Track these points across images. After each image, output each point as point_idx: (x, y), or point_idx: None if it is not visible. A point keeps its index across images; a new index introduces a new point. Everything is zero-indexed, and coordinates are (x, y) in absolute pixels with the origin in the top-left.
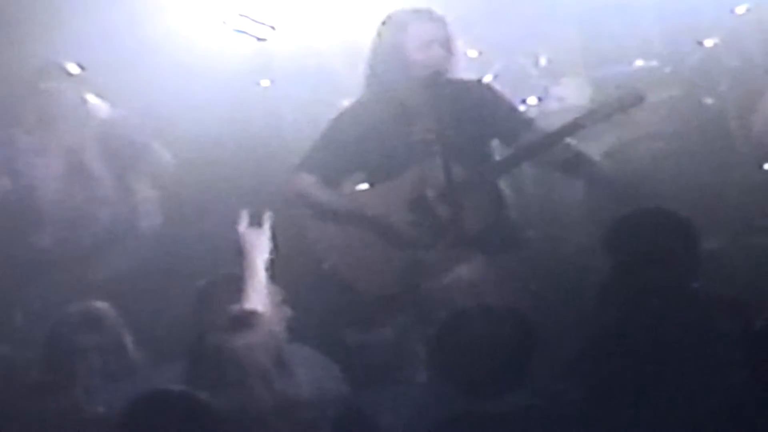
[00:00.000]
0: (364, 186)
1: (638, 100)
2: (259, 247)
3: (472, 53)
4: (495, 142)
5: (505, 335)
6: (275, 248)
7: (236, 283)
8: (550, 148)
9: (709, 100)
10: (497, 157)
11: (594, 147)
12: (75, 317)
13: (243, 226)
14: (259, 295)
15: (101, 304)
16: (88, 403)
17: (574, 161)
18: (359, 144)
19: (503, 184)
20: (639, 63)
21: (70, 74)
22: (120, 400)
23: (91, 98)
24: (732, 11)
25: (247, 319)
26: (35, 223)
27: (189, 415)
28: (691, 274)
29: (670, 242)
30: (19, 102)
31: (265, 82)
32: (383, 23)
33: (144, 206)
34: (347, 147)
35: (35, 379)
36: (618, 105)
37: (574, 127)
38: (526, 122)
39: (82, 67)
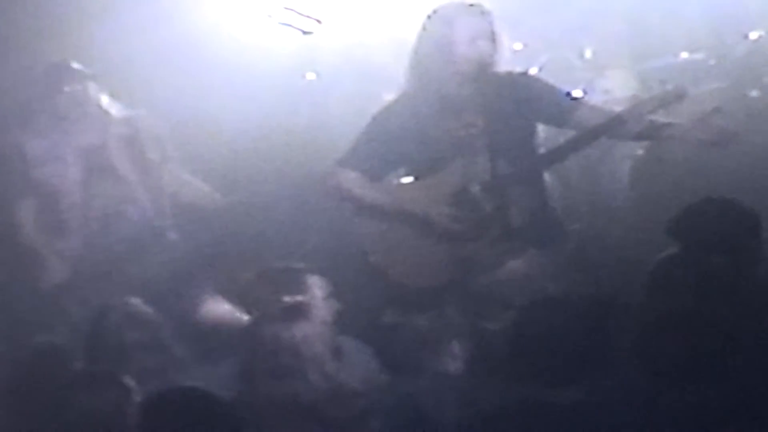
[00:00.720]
0: (408, 180)
1: (681, 95)
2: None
3: (518, 46)
4: (539, 138)
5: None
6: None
7: (283, 276)
8: (591, 143)
9: (754, 92)
10: (541, 150)
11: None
12: (117, 314)
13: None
14: None
15: (137, 301)
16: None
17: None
18: (402, 138)
19: (548, 177)
20: (684, 55)
21: (87, 76)
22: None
23: (108, 99)
24: None
25: (300, 310)
26: (59, 229)
27: (205, 414)
28: (756, 263)
29: (736, 231)
30: (36, 105)
31: (310, 76)
32: (429, 17)
33: (169, 205)
34: (390, 142)
35: (81, 369)
36: (660, 101)
37: (616, 122)
38: (575, 102)
39: (91, 72)
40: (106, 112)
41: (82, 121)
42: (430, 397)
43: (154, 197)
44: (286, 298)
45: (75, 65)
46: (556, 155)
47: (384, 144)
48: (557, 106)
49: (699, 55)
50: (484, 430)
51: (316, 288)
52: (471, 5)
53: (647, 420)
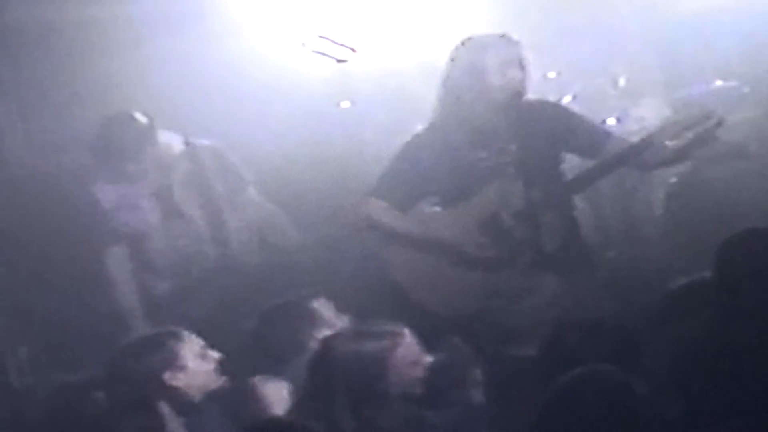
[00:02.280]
0: (438, 209)
1: (706, 117)
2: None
3: (551, 74)
4: (566, 165)
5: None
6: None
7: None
8: (619, 167)
9: None
10: (569, 177)
11: (672, 167)
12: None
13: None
14: None
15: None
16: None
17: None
18: (433, 167)
19: (580, 204)
20: (718, 83)
21: (142, 124)
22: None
23: (169, 137)
24: None
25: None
26: (152, 271)
27: None
28: None
29: None
30: (100, 156)
31: (345, 104)
32: (457, 48)
33: (239, 236)
34: (420, 170)
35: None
36: (686, 123)
37: (643, 146)
38: (606, 134)
39: (149, 117)
40: (169, 154)
41: (145, 166)
42: (457, 429)
43: (227, 232)
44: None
45: (134, 115)
46: (584, 181)
47: (414, 173)
48: (589, 138)
49: (732, 83)
50: None
51: (324, 310)
52: (502, 35)
53: None
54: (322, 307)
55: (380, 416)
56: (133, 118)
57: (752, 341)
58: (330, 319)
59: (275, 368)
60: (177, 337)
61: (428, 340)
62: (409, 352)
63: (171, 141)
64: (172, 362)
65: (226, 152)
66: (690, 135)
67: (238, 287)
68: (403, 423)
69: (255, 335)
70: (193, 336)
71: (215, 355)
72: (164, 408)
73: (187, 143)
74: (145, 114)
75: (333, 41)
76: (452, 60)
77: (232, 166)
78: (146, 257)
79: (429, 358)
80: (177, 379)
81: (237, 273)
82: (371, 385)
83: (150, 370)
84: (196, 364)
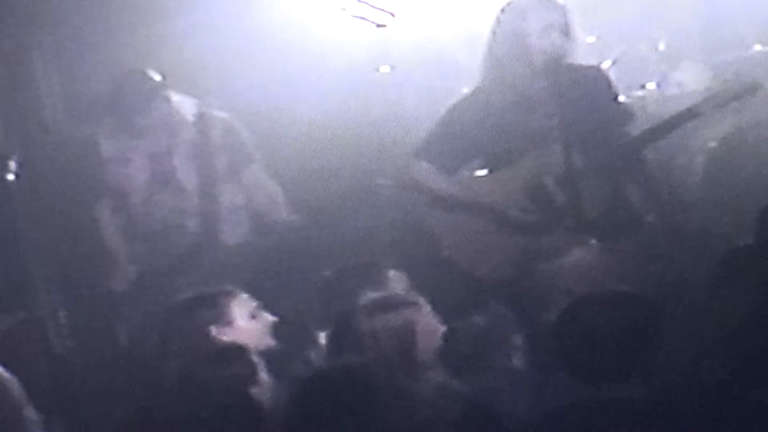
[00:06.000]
0: (482, 172)
1: (754, 88)
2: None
3: (591, 39)
4: (614, 130)
5: (629, 321)
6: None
7: (365, 272)
8: (667, 134)
9: None
10: (617, 143)
11: (710, 132)
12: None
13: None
14: None
15: None
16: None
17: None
18: (477, 131)
19: (622, 170)
20: (757, 48)
21: (158, 82)
22: None
23: (181, 102)
24: None
25: (394, 302)
26: (126, 234)
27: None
28: None
29: None
30: (108, 107)
31: (384, 69)
32: (503, 10)
33: (232, 216)
34: (465, 134)
35: None
36: (734, 93)
37: (690, 115)
38: (628, 115)
39: (163, 75)
40: (177, 118)
41: (150, 127)
42: (494, 395)
43: (216, 209)
44: (372, 294)
45: (147, 72)
46: (630, 148)
47: (459, 137)
48: (611, 115)
49: None
50: (547, 426)
51: (396, 283)
52: None
53: (713, 416)
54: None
55: (412, 387)
56: (146, 74)
57: None
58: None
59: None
60: (228, 295)
61: (469, 304)
62: (430, 321)
63: (184, 104)
64: (220, 317)
65: (237, 126)
66: (736, 105)
67: (210, 267)
68: (434, 392)
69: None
70: (246, 296)
71: (269, 316)
72: (255, 357)
73: (200, 112)
74: (159, 72)
75: (372, 5)
76: (495, 23)
77: (241, 141)
78: (126, 216)
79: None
80: (224, 334)
81: (212, 252)
82: (401, 356)
83: (198, 324)
84: (246, 323)
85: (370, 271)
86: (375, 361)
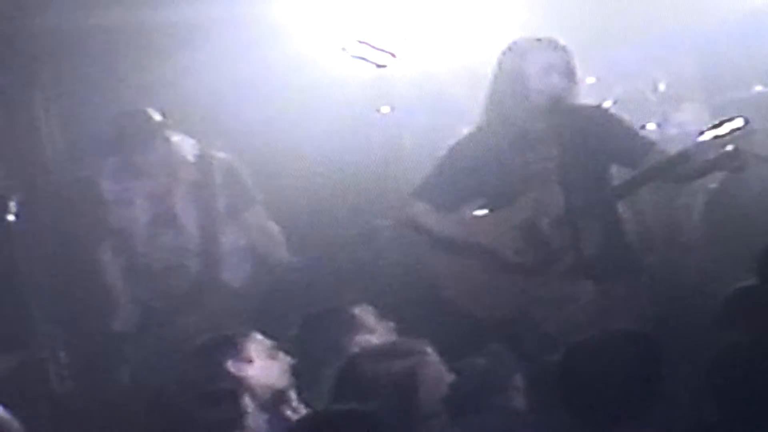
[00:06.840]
0: (481, 212)
1: (746, 131)
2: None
3: (591, 79)
4: (613, 168)
5: (630, 362)
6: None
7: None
8: (662, 175)
9: None
10: (614, 183)
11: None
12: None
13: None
14: None
15: None
16: None
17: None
18: (476, 171)
19: (622, 210)
20: (758, 88)
21: (159, 123)
22: None
23: (182, 142)
24: None
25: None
26: (129, 276)
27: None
28: None
29: None
30: (109, 148)
31: (384, 109)
32: (504, 51)
33: (233, 257)
34: (463, 174)
35: None
36: (725, 137)
37: (683, 158)
38: (648, 144)
39: (164, 115)
40: (178, 158)
41: (151, 167)
42: None
43: (217, 249)
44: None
45: (148, 112)
46: (626, 189)
47: (458, 176)
48: (630, 146)
49: None
50: None
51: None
52: (546, 40)
53: None
54: (363, 313)
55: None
56: (146, 114)
57: None
58: (372, 325)
59: (315, 373)
60: (245, 334)
61: (468, 344)
62: (435, 369)
63: (184, 145)
64: (238, 354)
65: (238, 167)
66: (730, 149)
67: (212, 307)
68: None
69: (296, 340)
70: (262, 336)
71: (287, 357)
72: (245, 400)
73: (200, 152)
74: (160, 112)
75: (373, 46)
76: (497, 64)
77: (242, 182)
78: (128, 257)
79: (454, 374)
80: (242, 371)
81: (214, 293)
82: (402, 403)
83: (216, 361)
84: (263, 362)
85: (339, 316)
86: (378, 408)
